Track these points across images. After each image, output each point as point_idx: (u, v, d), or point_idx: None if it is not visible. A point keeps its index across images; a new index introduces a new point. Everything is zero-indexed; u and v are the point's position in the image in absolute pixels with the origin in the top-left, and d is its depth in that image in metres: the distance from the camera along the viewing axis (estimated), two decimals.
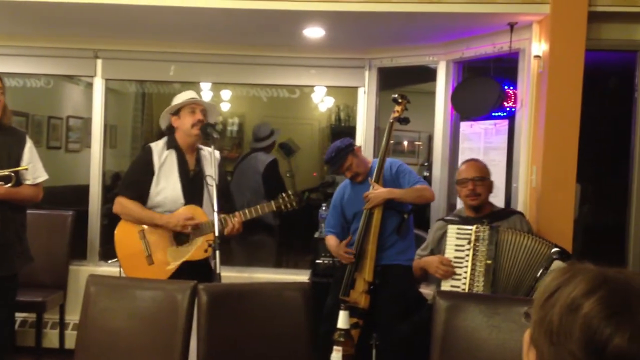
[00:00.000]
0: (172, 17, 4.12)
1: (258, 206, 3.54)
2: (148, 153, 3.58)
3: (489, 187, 3.53)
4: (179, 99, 3.61)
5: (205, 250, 3.34)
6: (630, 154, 4.00)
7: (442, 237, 3.46)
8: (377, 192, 3.74)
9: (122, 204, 3.54)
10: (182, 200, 3.51)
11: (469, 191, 3.44)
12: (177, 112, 3.59)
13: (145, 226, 3.53)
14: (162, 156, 3.56)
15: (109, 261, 3.59)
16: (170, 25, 4.35)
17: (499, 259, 3.20)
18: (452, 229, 3.39)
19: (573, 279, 1.04)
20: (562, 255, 3.14)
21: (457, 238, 3.36)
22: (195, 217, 3.47)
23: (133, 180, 3.61)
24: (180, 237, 3.51)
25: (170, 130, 3.64)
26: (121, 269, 3.54)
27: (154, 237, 3.51)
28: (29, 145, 3.52)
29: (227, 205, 3.51)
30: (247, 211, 3.50)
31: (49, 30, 4.73)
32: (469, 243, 3.29)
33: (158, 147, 3.60)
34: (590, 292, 1.01)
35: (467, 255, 3.28)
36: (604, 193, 6.47)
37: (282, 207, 3.56)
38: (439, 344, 2.56)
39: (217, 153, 3.58)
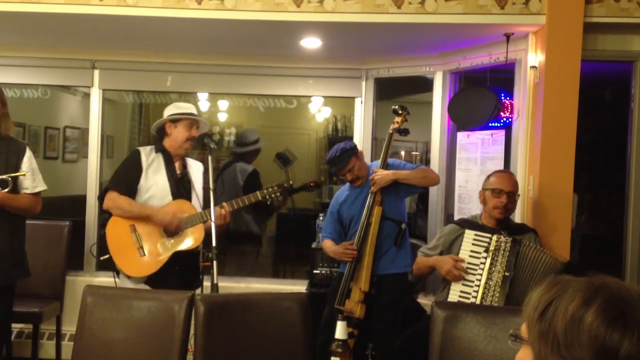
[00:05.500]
0: (169, 28, 4.13)
1: (244, 197, 3.69)
2: (136, 154, 3.74)
3: (516, 203, 3.53)
4: (179, 108, 3.76)
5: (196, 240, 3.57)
6: (626, 164, 4.00)
7: (455, 241, 3.44)
8: (383, 173, 3.76)
9: (113, 199, 3.62)
10: (169, 196, 3.65)
11: (502, 204, 3.37)
12: (175, 120, 3.71)
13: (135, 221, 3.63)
14: (150, 157, 3.71)
15: (101, 257, 3.63)
16: (168, 35, 4.37)
17: (517, 272, 3.19)
18: (469, 234, 3.36)
19: (565, 293, 1.07)
20: (569, 268, 3.14)
21: (474, 244, 3.33)
22: (184, 211, 3.59)
23: (123, 176, 3.71)
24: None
25: (160, 135, 3.77)
26: (118, 271, 3.61)
27: (145, 230, 3.60)
28: (28, 155, 3.51)
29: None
30: (233, 202, 3.65)
31: (47, 41, 4.73)
32: (485, 251, 3.26)
33: (146, 150, 3.77)
34: (588, 303, 1.04)
35: (483, 263, 3.26)
36: (600, 203, 6.49)
37: (267, 196, 3.70)
38: (436, 354, 2.55)
39: (200, 164, 3.85)
